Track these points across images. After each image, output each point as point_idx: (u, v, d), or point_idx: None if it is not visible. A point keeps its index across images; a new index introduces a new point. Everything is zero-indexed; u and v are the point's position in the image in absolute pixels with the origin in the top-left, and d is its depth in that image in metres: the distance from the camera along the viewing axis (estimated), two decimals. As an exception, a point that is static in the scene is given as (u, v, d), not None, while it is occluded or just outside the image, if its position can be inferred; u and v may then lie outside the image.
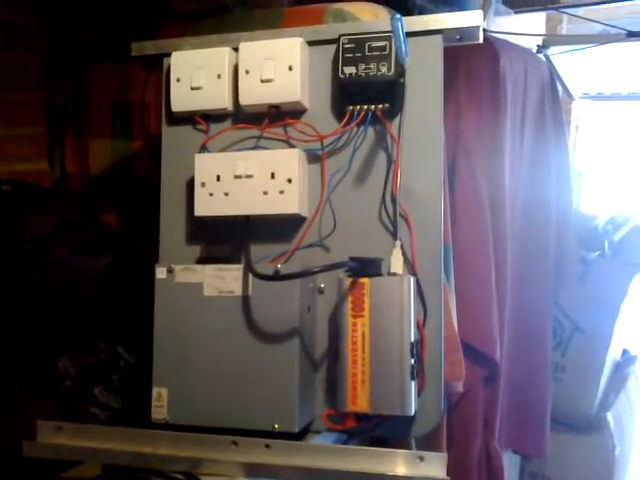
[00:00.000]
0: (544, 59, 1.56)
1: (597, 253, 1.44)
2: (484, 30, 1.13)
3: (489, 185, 1.03)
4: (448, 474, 0.63)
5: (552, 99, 1.28)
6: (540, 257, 1.23)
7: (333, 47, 0.76)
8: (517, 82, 1.11)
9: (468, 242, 0.98)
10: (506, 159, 1.07)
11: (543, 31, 1.71)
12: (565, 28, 1.92)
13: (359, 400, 0.68)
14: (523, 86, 1.15)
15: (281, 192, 0.74)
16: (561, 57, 1.62)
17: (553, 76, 1.31)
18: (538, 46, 1.58)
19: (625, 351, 1.71)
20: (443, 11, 0.75)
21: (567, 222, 1.31)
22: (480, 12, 0.73)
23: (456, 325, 0.87)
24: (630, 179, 2.32)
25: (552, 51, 1.59)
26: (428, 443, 0.89)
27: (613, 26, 1.49)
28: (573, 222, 1.34)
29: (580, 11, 1.70)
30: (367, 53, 0.72)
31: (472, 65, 1.03)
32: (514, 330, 1.18)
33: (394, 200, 0.74)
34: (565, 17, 1.87)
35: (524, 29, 1.46)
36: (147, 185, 0.91)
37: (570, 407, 1.46)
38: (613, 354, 1.55)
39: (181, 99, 0.80)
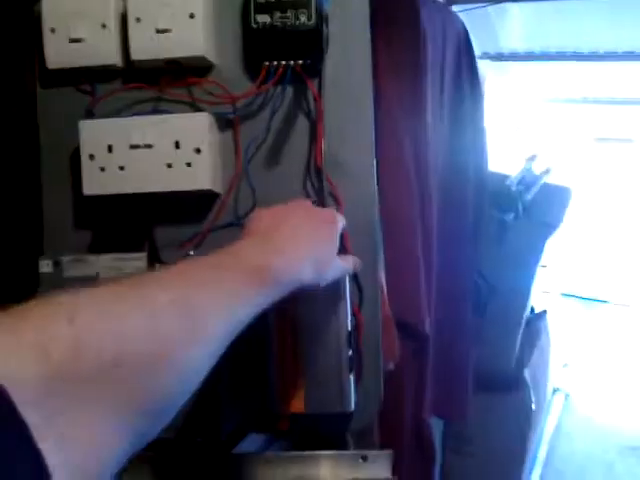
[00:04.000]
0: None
1: (512, 215, 1.44)
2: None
3: (413, 150, 0.96)
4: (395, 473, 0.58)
5: (468, 56, 1.23)
6: (460, 219, 1.19)
7: (243, -9, 0.65)
8: (436, 38, 1.05)
9: (393, 212, 0.92)
10: (429, 121, 1.01)
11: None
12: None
13: (293, 400, 0.60)
14: (442, 43, 1.08)
15: (188, 164, 0.63)
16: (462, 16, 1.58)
17: (468, 33, 1.26)
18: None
19: (531, 308, 1.74)
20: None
21: (484, 183, 1.28)
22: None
23: (387, 302, 0.81)
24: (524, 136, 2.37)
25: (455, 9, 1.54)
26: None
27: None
28: (489, 183, 1.32)
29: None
30: (283, -1, 0.62)
31: (391, 21, 0.95)
32: (438, 295, 1.14)
33: (320, 171, 0.65)
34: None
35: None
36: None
37: (490, 367, 1.47)
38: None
39: (58, 54, 0.66)
